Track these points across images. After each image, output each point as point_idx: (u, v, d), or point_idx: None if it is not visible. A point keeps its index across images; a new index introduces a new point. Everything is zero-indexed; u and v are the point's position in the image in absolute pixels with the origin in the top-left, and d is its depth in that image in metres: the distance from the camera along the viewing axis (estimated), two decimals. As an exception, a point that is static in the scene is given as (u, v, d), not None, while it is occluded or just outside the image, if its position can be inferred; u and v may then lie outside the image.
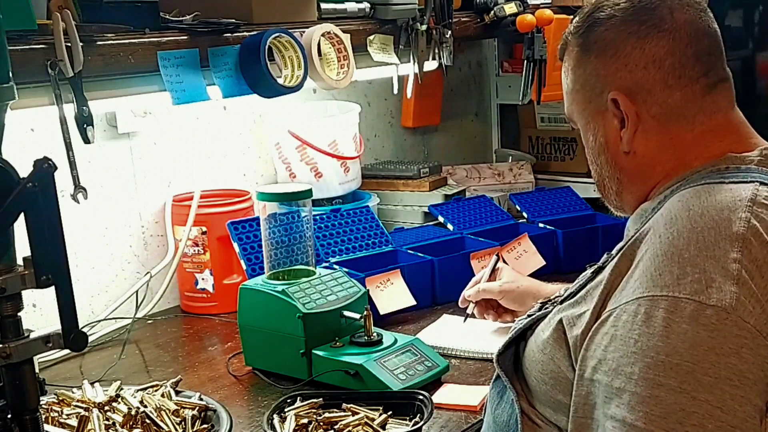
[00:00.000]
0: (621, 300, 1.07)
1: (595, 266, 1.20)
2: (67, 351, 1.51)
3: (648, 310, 1.02)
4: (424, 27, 2.22)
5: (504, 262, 2.15)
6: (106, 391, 1.49)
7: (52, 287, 0.99)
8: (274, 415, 1.47)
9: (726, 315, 0.99)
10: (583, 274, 1.25)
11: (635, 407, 1.00)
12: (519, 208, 2.50)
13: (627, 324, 1.04)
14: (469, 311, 1.87)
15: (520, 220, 2.45)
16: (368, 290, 1.81)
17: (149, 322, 2.07)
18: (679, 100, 1.19)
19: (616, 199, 1.29)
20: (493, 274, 1.87)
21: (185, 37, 1.72)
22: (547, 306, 1.29)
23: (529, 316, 1.31)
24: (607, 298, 1.11)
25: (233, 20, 1.79)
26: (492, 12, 2.44)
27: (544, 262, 2.21)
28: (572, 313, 1.16)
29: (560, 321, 1.18)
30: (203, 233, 2.10)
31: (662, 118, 1.19)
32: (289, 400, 1.51)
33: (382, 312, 1.94)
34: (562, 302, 1.22)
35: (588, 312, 1.12)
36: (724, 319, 0.99)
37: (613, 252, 1.17)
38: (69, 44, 1.51)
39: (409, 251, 2.15)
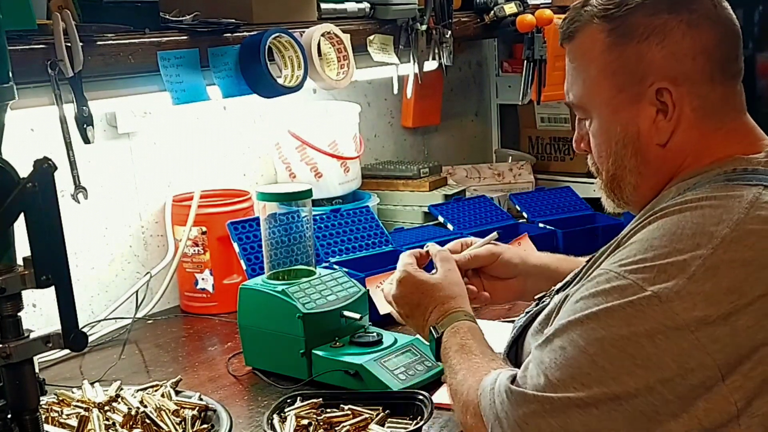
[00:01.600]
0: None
1: (591, 260, 1.22)
2: (67, 351, 1.51)
3: (599, 281, 1.07)
4: (424, 27, 2.22)
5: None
6: (106, 391, 1.49)
7: (52, 287, 0.99)
8: (274, 415, 1.47)
9: (657, 302, 1.01)
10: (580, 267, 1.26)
11: (547, 352, 1.07)
12: (519, 208, 2.50)
13: (581, 288, 1.10)
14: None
15: (520, 220, 2.46)
16: (368, 290, 1.81)
17: (149, 322, 2.07)
18: (720, 95, 1.17)
19: (632, 193, 1.23)
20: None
21: (185, 37, 1.72)
22: (544, 300, 1.30)
23: (526, 312, 1.32)
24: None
25: (233, 20, 1.79)
26: (492, 12, 2.44)
27: (544, 262, 2.20)
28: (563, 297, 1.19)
29: (556, 309, 1.20)
30: (203, 233, 2.10)
31: (700, 112, 1.16)
32: (289, 400, 1.51)
33: (382, 312, 1.94)
34: (557, 292, 1.24)
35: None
36: (653, 305, 1.01)
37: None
38: (69, 44, 1.51)
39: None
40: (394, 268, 1.99)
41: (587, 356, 1.03)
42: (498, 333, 1.84)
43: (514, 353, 1.31)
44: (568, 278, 1.26)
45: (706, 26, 1.14)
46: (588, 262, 1.23)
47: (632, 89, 1.18)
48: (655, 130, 1.18)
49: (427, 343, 1.42)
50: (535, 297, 1.36)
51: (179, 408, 1.45)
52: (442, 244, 2.18)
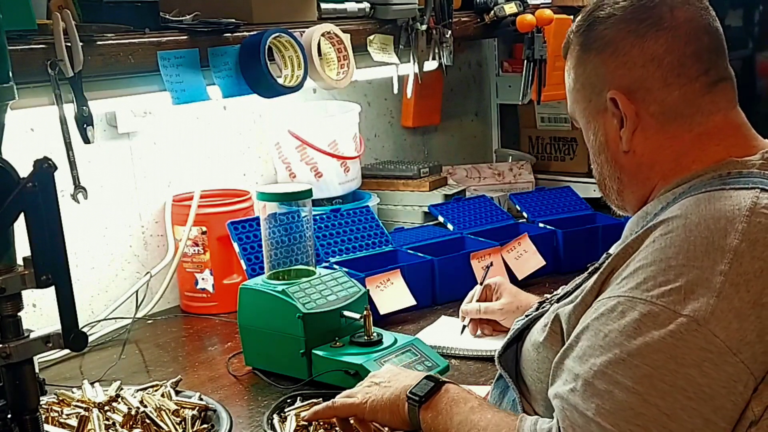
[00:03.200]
0: (605, 294, 1.10)
1: (592, 267, 1.21)
2: (67, 351, 1.51)
3: (624, 310, 1.05)
4: (424, 27, 2.22)
5: (504, 262, 2.16)
6: (106, 391, 1.49)
7: (52, 287, 0.99)
8: (274, 415, 1.47)
9: (696, 326, 1.00)
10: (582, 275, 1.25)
11: (589, 398, 1.03)
12: (519, 208, 2.50)
13: (602, 317, 1.07)
14: (465, 324, 1.85)
15: (520, 220, 2.46)
16: (368, 290, 1.81)
17: (149, 322, 2.07)
18: (678, 99, 1.18)
19: (618, 198, 1.28)
20: (488, 290, 1.84)
21: (185, 37, 1.72)
22: (544, 305, 1.29)
23: (526, 316, 1.31)
24: (598, 295, 1.13)
25: (233, 20, 1.79)
26: (492, 12, 2.44)
27: (544, 262, 2.20)
28: (566, 310, 1.17)
29: (555, 319, 1.19)
30: (203, 233, 2.10)
31: (661, 117, 1.19)
32: (289, 400, 1.52)
33: (382, 312, 1.94)
34: (558, 301, 1.23)
35: (580, 308, 1.14)
36: (693, 330, 1.00)
37: (611, 252, 1.18)
38: (69, 44, 1.51)
39: (409, 251, 2.15)
40: (394, 268, 2.02)
41: (638, 396, 1.00)
42: (497, 332, 1.85)
43: (512, 355, 1.31)
44: (568, 288, 1.25)
45: (654, 34, 1.17)
46: (589, 273, 1.20)
47: (596, 100, 1.23)
48: (618, 138, 1.22)
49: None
50: (536, 300, 1.36)
51: (179, 408, 1.45)
52: (442, 243, 2.20)
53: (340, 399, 1.36)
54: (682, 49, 1.17)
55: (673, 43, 1.17)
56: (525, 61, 2.53)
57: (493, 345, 1.76)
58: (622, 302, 1.05)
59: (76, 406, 1.44)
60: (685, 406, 0.98)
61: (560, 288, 1.32)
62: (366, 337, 1.66)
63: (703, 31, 1.19)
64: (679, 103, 1.18)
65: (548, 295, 1.35)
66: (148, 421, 1.39)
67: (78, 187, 1.62)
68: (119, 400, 1.45)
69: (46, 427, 1.32)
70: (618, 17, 1.20)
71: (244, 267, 2.00)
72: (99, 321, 2.00)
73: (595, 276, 1.15)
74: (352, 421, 1.35)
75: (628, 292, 1.06)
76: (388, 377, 1.34)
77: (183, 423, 1.40)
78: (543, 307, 1.29)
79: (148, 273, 2.10)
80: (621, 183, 1.25)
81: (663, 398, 0.99)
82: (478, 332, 1.84)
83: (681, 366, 0.99)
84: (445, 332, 1.88)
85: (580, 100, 1.27)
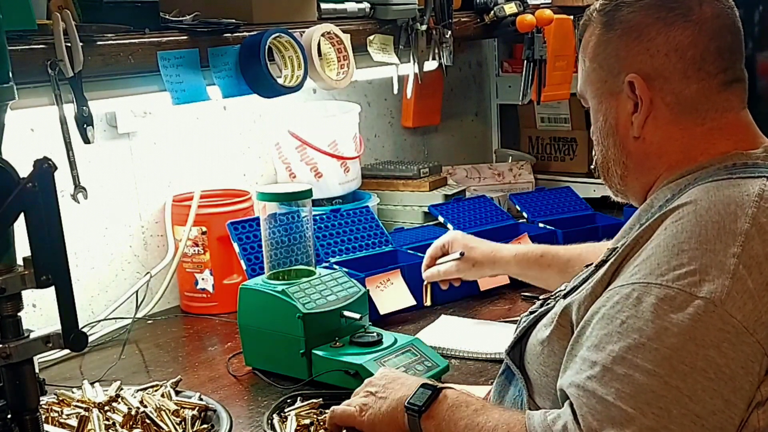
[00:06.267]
0: (617, 283, 1.11)
1: (598, 260, 1.21)
2: (67, 351, 1.51)
3: (640, 296, 1.05)
4: (424, 27, 2.22)
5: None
6: (106, 391, 1.49)
7: (52, 287, 0.99)
8: (274, 415, 1.47)
9: (713, 307, 1.01)
10: (586, 268, 1.25)
11: (608, 383, 1.02)
12: (519, 208, 2.50)
13: (617, 305, 1.07)
14: (427, 301, 2.00)
15: (520, 220, 2.46)
16: (368, 290, 1.81)
17: (149, 322, 2.07)
18: (695, 93, 1.19)
19: (620, 183, 1.28)
20: (444, 249, 1.93)
21: (185, 37, 1.72)
22: (549, 302, 1.30)
23: (531, 313, 1.32)
24: (608, 286, 1.13)
25: (233, 20, 1.79)
26: (492, 12, 2.44)
27: (544, 262, 2.20)
28: (575, 303, 1.18)
29: (563, 313, 1.20)
30: (203, 233, 2.10)
31: (675, 108, 1.20)
32: (289, 400, 1.52)
33: (382, 312, 1.94)
34: (565, 296, 1.23)
35: (589, 299, 1.15)
36: (710, 312, 1.01)
37: (618, 245, 1.18)
38: (69, 44, 1.51)
39: (409, 251, 2.15)
40: (394, 268, 2.02)
41: (658, 379, 1.00)
42: (498, 333, 1.85)
43: (518, 352, 1.31)
44: (574, 283, 1.25)
45: (681, 25, 1.18)
46: (596, 267, 1.20)
47: (611, 81, 1.23)
48: (630, 123, 1.22)
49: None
50: (540, 297, 1.36)
51: (179, 408, 1.45)
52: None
53: (339, 409, 1.35)
54: (706, 44, 1.18)
55: (699, 37, 1.18)
56: (525, 61, 2.53)
57: (494, 346, 1.76)
58: (636, 288, 1.06)
59: (76, 406, 1.44)
60: (706, 387, 0.99)
61: (562, 284, 1.33)
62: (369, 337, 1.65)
63: (727, 30, 1.20)
64: (695, 97, 1.19)
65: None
66: (148, 421, 1.39)
67: (78, 187, 1.62)
68: (119, 400, 1.45)
69: (46, 427, 1.32)
70: (647, 2, 1.20)
71: (244, 267, 2.00)
72: (99, 321, 2.00)
73: (605, 267, 1.16)
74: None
75: (643, 278, 1.06)
76: (383, 384, 1.32)
77: (183, 423, 1.40)
78: (548, 304, 1.30)
79: (148, 273, 2.10)
80: (626, 168, 1.26)
81: (683, 380, 0.99)
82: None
83: (700, 347, 1.00)
84: (445, 332, 1.88)
85: (594, 80, 1.26)
